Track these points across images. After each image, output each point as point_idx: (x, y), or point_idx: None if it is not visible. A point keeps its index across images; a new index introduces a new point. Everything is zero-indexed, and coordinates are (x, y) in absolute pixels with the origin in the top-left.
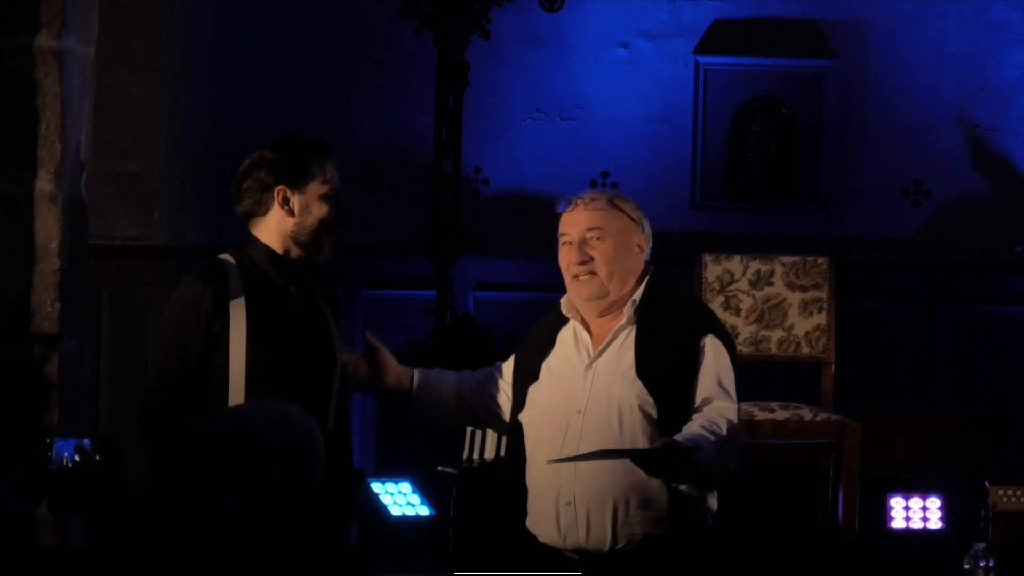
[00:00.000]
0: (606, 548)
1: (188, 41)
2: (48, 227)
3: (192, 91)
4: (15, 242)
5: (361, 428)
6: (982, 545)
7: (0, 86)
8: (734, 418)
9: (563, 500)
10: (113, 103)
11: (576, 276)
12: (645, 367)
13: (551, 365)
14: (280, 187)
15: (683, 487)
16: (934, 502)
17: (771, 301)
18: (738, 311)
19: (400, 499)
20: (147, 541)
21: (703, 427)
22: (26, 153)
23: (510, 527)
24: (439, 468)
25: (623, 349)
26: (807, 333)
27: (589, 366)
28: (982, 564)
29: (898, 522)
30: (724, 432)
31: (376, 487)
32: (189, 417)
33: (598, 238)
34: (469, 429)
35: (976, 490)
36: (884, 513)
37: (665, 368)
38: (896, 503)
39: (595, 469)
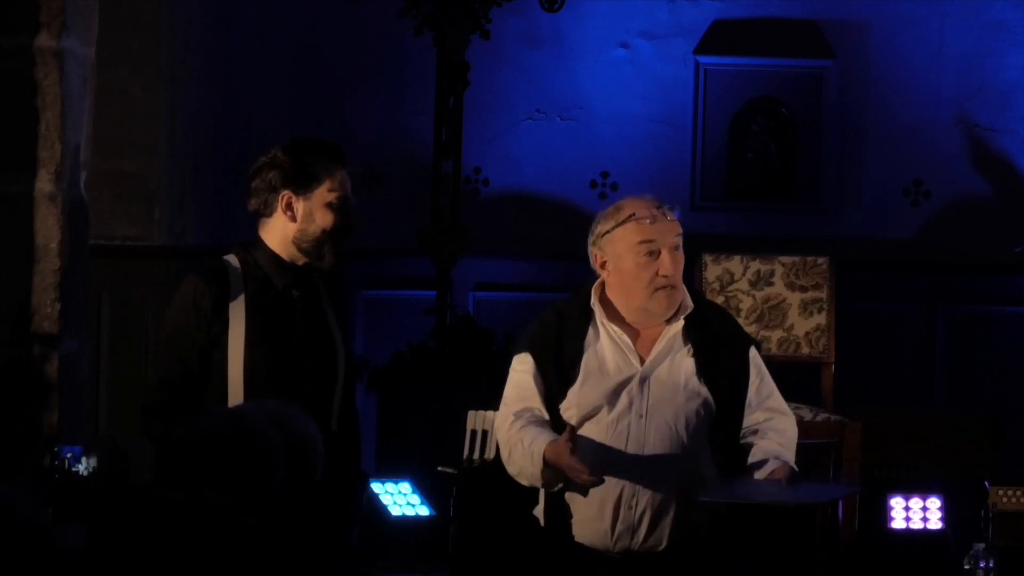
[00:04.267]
0: (660, 548)
1: (188, 41)
2: (48, 227)
3: (192, 91)
4: (15, 242)
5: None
6: (982, 545)
7: (0, 86)
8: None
9: (625, 503)
10: (113, 103)
11: (663, 288)
12: (710, 375)
13: (591, 367)
14: (285, 191)
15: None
16: (934, 502)
17: (771, 301)
18: (738, 311)
19: (400, 499)
20: (145, 542)
21: (784, 445)
22: (26, 153)
23: (516, 526)
24: (439, 468)
25: (680, 356)
26: (807, 333)
27: (646, 373)
28: (982, 564)
29: (898, 522)
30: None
31: (376, 487)
32: (188, 416)
33: (678, 249)
34: (470, 429)
35: (976, 490)
36: (884, 513)
37: (726, 375)
38: (896, 503)
39: (665, 470)
